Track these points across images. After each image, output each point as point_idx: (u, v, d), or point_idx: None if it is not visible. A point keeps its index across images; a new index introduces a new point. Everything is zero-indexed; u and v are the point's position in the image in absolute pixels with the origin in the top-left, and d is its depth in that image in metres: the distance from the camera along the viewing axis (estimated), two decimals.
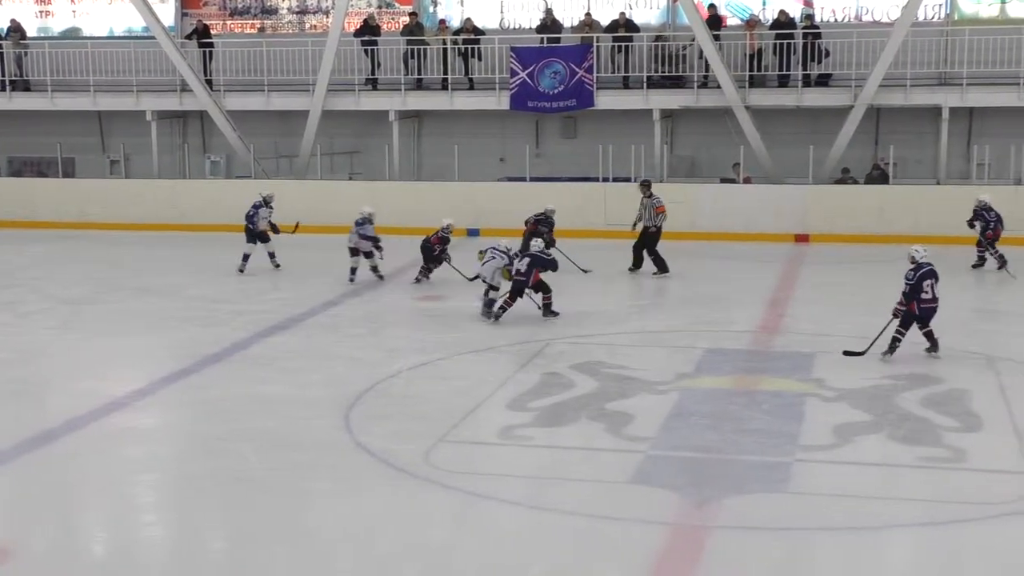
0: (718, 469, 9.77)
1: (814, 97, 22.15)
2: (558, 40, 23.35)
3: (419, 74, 23.81)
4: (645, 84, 22.73)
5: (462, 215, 22.12)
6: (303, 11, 26.32)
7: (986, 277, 17.95)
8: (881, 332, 12.78)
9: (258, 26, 26.48)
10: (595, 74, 22.48)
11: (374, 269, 17.80)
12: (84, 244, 21.60)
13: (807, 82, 22.25)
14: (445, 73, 23.62)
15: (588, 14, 23.81)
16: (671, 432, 10.66)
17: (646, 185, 18.63)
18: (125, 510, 9.30)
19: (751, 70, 22.40)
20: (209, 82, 24.19)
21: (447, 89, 23.58)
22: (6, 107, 25.21)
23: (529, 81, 22.62)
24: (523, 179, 22.89)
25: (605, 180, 22.14)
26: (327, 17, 25.43)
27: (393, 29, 25.03)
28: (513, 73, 22.70)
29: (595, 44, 22.62)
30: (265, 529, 8.69)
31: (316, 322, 15.32)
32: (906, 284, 12.66)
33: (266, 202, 18.59)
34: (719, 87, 21.93)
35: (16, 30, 25.37)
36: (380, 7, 25.67)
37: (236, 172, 24.70)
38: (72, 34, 27.08)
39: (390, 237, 21.52)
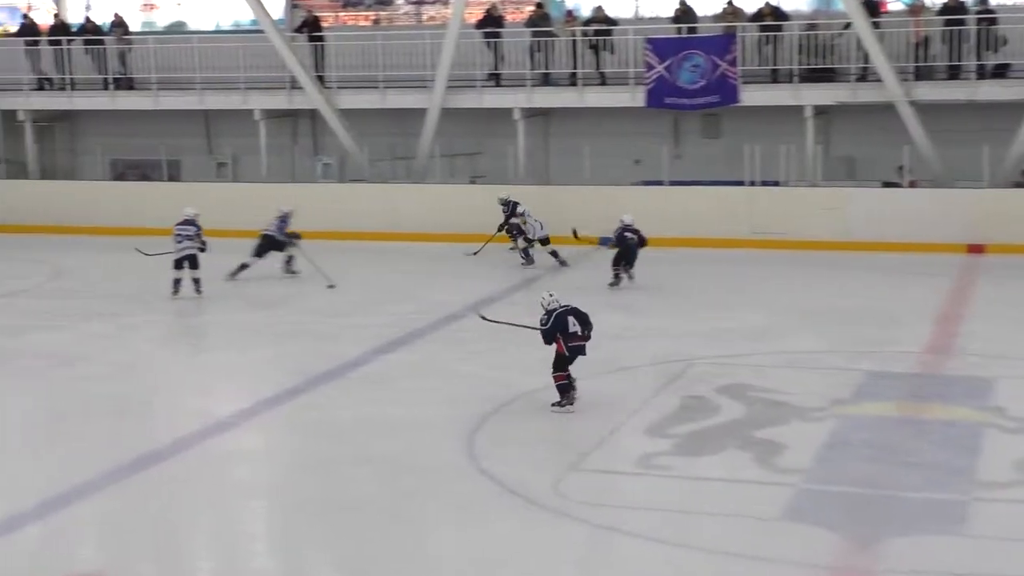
0: (881, 507, 9.55)
1: (989, 90, 21.56)
2: (697, 30, 23.17)
3: (546, 68, 23.82)
4: (795, 78, 22.41)
5: (593, 222, 22.12)
6: (420, 1, 26.60)
7: None
8: None
9: (372, 18, 26.83)
10: (739, 67, 22.21)
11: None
12: None
13: (981, 74, 21.68)
14: (574, 67, 23.61)
15: (731, 2, 23.57)
16: (827, 464, 10.48)
17: None
18: (232, 538, 9.47)
19: (916, 61, 21.93)
20: (320, 79, 24.54)
21: (576, 85, 23.56)
22: (109, 107, 25.97)
23: (666, 75, 22.45)
24: (660, 183, 22.75)
25: (751, 184, 21.87)
26: (446, 8, 25.64)
27: (517, 20, 25.11)
28: (649, 67, 22.53)
29: (739, 34, 22.37)
30: (380, 561, 8.77)
31: (437, 337, 15.43)
32: None
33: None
34: (880, 80, 21.51)
35: (119, 25, 26.11)
36: None
37: (349, 175, 25.01)
38: (177, 29, 27.85)
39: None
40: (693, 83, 22.38)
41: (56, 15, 26.50)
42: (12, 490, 10.32)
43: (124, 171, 26.97)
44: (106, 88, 25.93)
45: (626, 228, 18.38)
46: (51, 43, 26.09)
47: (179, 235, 17.83)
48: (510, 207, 20.84)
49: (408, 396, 12.80)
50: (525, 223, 20.26)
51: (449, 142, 24.34)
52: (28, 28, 26.56)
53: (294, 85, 24.57)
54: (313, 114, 25.27)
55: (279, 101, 25.08)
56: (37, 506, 9.86)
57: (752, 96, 22.34)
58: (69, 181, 26.54)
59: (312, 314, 16.93)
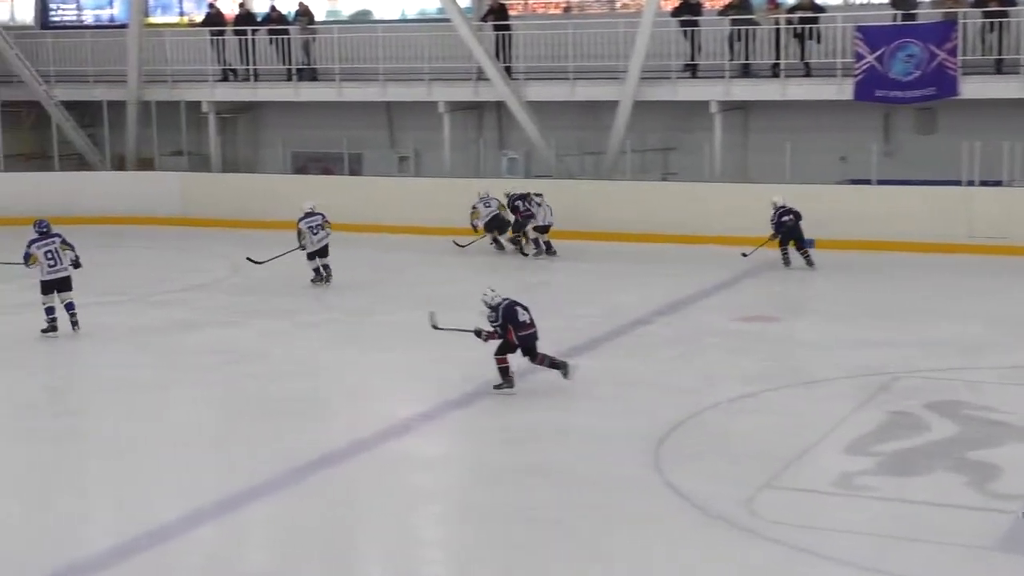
0: None
1: None
2: (914, 17, 22.61)
3: (746, 59, 23.56)
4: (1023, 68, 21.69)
5: None
6: None
7: None
8: None
9: (563, 6, 26.90)
10: (959, 57, 21.60)
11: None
12: (369, 249, 22.56)
13: None
14: (777, 58, 23.29)
15: None
16: None
17: None
18: (405, 545, 9.62)
19: None
20: (507, 69, 24.74)
21: (779, 76, 23.25)
22: (293, 98, 26.69)
23: (878, 66, 21.98)
24: (868, 182, 22.29)
25: (970, 184, 21.25)
26: None
27: (715, 7, 24.88)
28: (859, 57, 22.10)
29: (961, 21, 21.75)
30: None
31: (622, 343, 15.41)
32: None
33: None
34: None
35: (304, 14, 26.79)
36: None
37: (535, 170, 25.15)
38: (362, 18, 28.39)
39: (710, 247, 21.51)
40: (907, 74, 21.86)
41: (241, 4, 27.31)
42: (189, 488, 10.67)
43: (305, 164, 27.66)
44: (289, 79, 26.65)
45: (783, 212, 19.70)
46: (236, 33, 26.95)
47: (313, 227, 18.94)
48: (510, 200, 21.93)
49: (590, 404, 12.80)
50: (533, 213, 21.50)
51: (641, 137, 24.29)
52: (213, 18, 27.46)
53: (480, 76, 24.82)
54: (499, 106, 25.49)
55: (464, 93, 25.36)
56: (213, 505, 10.19)
57: (973, 88, 21.70)
58: (250, 174, 27.42)
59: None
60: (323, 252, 19.08)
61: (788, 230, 19.76)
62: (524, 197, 21.81)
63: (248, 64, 26.94)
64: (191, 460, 11.52)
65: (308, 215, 19.09)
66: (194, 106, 27.33)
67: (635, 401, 12.85)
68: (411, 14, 28.06)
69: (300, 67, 26.58)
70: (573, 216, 23.19)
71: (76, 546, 9.53)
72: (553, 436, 11.81)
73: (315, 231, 18.95)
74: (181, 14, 30.19)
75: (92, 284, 19.72)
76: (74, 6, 31.14)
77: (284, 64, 26.67)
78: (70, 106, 27.87)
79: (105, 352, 15.63)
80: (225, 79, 27.33)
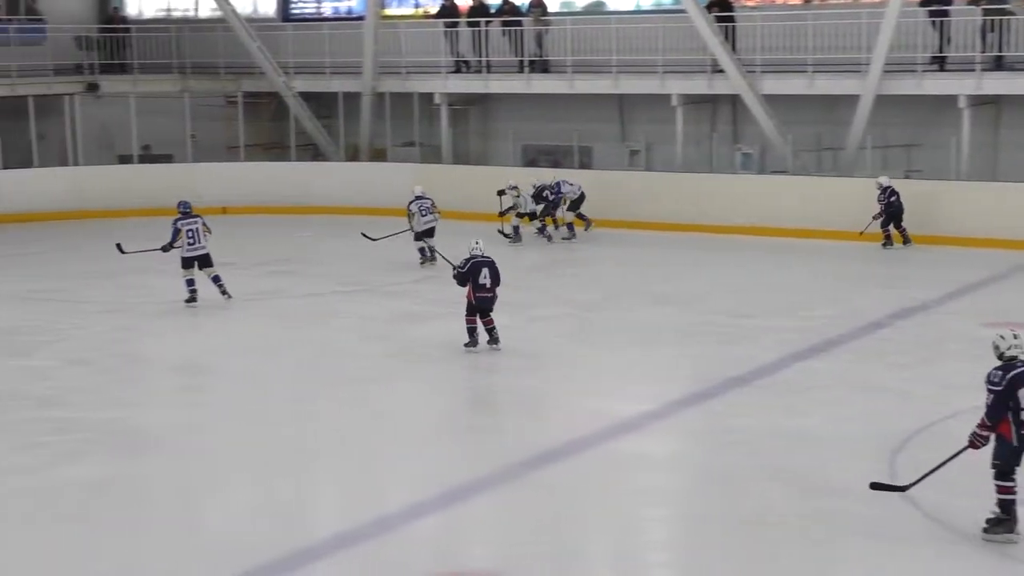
0: None
1: None
2: None
3: (999, 51, 22.74)
4: None
5: None
6: None
7: None
8: (941, 464, 9.71)
9: None
10: None
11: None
12: (599, 243, 22.63)
13: None
14: None
15: None
16: None
17: None
18: (628, 547, 9.61)
19: None
20: (740, 62, 24.44)
21: None
22: (524, 90, 26.96)
23: None
24: None
25: None
26: None
27: None
28: None
29: None
30: None
31: (859, 346, 15.09)
32: (989, 391, 9.45)
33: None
34: None
35: (537, 6, 26.99)
36: None
37: (770, 166, 24.82)
38: (596, 9, 28.48)
39: (955, 248, 20.87)
40: None
41: None
42: (413, 479, 10.92)
43: (535, 157, 27.87)
44: (521, 71, 26.90)
45: (892, 192, 21.12)
46: (469, 25, 27.36)
47: (423, 208, 20.38)
48: (537, 191, 22.90)
49: (824, 408, 12.59)
50: (518, 196, 22.73)
51: (882, 132, 23.69)
52: (448, 10, 27.94)
53: (715, 68, 24.60)
54: (734, 100, 25.22)
55: (698, 86, 25.17)
56: (436, 497, 10.38)
57: None
58: (479, 166, 27.75)
59: (719, 314, 16.92)
60: (429, 233, 20.35)
61: (896, 209, 21.16)
62: (549, 186, 22.91)
63: (481, 56, 27.33)
64: (415, 451, 11.75)
65: (419, 198, 20.42)
66: (427, 98, 27.88)
67: (870, 407, 12.58)
68: (645, 5, 28.02)
69: (532, 59, 26.80)
70: (809, 213, 22.85)
71: (301, 533, 9.83)
72: (783, 439, 11.64)
73: (424, 213, 20.26)
74: (416, 6, 30.80)
75: (325, 272, 20.42)
76: None
77: (516, 56, 26.95)
78: (307, 97, 28.80)
79: (334, 342, 16.07)
80: (458, 71, 27.78)
